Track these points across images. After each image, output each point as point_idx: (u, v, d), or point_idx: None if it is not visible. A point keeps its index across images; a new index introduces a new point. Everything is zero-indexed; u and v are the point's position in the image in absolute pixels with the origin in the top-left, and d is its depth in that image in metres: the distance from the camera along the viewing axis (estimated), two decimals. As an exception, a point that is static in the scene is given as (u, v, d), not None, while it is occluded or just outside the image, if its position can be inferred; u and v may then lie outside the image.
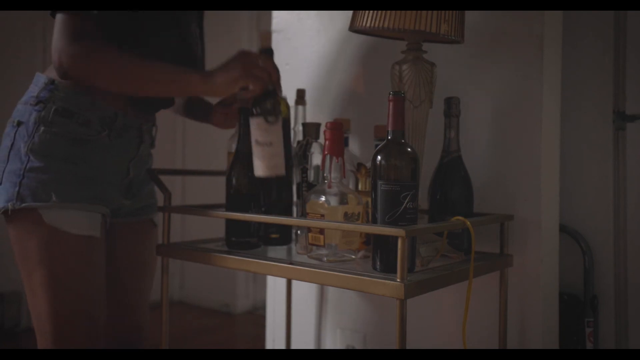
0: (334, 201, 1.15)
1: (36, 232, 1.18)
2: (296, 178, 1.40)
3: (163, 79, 1.19)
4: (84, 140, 1.22)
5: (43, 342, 1.21)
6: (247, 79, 1.17)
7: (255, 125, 1.22)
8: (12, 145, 1.21)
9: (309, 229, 1.19)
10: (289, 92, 1.49)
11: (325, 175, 1.18)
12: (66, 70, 1.16)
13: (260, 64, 1.20)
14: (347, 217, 1.14)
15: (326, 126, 1.18)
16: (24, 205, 1.17)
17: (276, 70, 1.23)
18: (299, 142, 1.42)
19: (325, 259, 1.16)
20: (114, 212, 1.32)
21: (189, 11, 1.34)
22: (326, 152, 1.17)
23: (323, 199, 1.16)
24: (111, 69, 1.17)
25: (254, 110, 1.23)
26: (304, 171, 1.36)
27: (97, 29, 1.18)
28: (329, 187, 1.17)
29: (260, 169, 1.23)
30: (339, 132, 1.18)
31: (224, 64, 1.20)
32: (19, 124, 1.21)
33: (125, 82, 1.19)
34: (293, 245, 1.37)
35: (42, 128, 1.19)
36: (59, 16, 1.17)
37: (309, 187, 1.36)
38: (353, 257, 1.17)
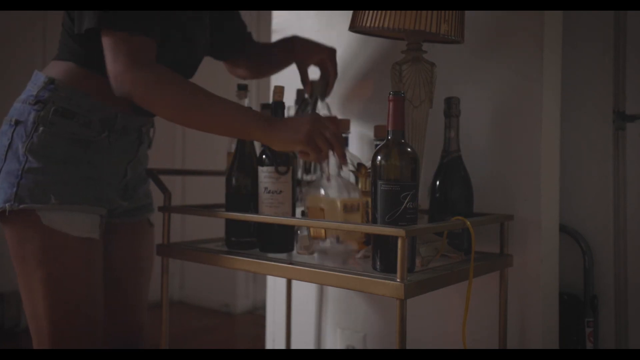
0: (332, 193, 1.16)
1: (34, 234, 1.17)
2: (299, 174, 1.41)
3: (227, 119, 1.16)
4: (84, 141, 1.21)
5: (40, 342, 1.21)
6: (309, 146, 1.12)
7: (266, 174, 1.23)
8: (9, 144, 1.19)
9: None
10: (289, 92, 1.49)
11: (324, 168, 1.18)
12: (131, 96, 1.13)
13: (328, 136, 1.13)
14: (347, 209, 1.15)
15: None
16: (22, 206, 1.16)
17: (340, 144, 1.15)
18: (303, 100, 1.43)
19: (328, 252, 1.16)
20: (111, 212, 1.31)
21: (200, 27, 1.33)
22: None
23: (322, 192, 1.16)
24: (178, 99, 1.14)
25: (265, 159, 1.23)
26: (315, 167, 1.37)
27: (155, 53, 1.15)
28: (328, 180, 1.17)
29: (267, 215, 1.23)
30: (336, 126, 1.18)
31: (292, 119, 1.16)
32: (17, 123, 1.19)
33: (190, 115, 1.16)
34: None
35: (42, 128, 1.18)
36: (116, 35, 1.11)
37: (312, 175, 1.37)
38: (353, 247, 1.18)
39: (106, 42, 1.13)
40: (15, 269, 1.22)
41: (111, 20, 1.11)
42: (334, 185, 1.17)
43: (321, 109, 1.38)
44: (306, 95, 1.45)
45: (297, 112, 1.42)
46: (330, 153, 1.15)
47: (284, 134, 1.13)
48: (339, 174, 1.18)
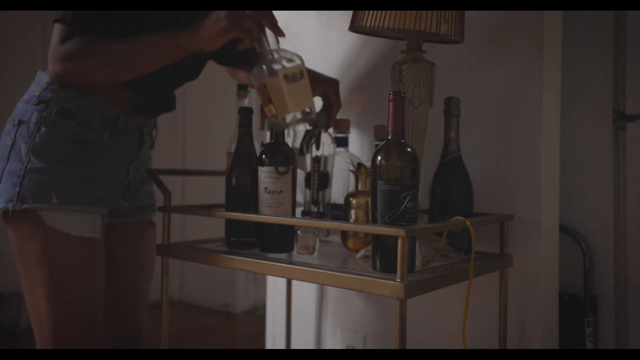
0: (274, 68, 1.16)
1: (36, 233, 1.17)
2: (306, 167, 1.40)
3: (154, 52, 1.17)
4: (85, 142, 1.22)
5: (42, 342, 1.21)
6: (235, 29, 1.14)
7: (266, 174, 1.23)
8: (12, 144, 1.19)
9: (263, 102, 1.19)
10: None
11: (263, 45, 1.19)
12: (60, 73, 1.17)
13: (249, 14, 1.15)
14: (288, 79, 1.15)
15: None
16: (24, 206, 1.16)
17: (267, 15, 1.17)
18: (308, 131, 1.42)
19: (287, 122, 1.17)
20: (112, 212, 1.31)
21: (193, 14, 1.33)
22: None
23: (264, 68, 1.17)
24: (102, 58, 1.16)
25: (265, 159, 1.23)
26: (317, 160, 1.36)
27: (85, 30, 1.17)
28: (269, 55, 1.18)
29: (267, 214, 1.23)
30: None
31: (209, 16, 1.17)
32: (20, 123, 1.20)
33: (119, 68, 1.18)
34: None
35: (44, 129, 1.18)
36: (54, 27, 1.18)
37: (320, 177, 1.36)
38: (308, 110, 1.18)
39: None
40: (18, 269, 1.22)
41: (56, 17, 1.17)
42: (273, 58, 1.17)
43: (324, 142, 1.38)
44: (309, 127, 1.44)
45: (301, 144, 1.41)
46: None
47: (208, 30, 1.14)
48: (277, 48, 1.18)
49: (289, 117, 1.17)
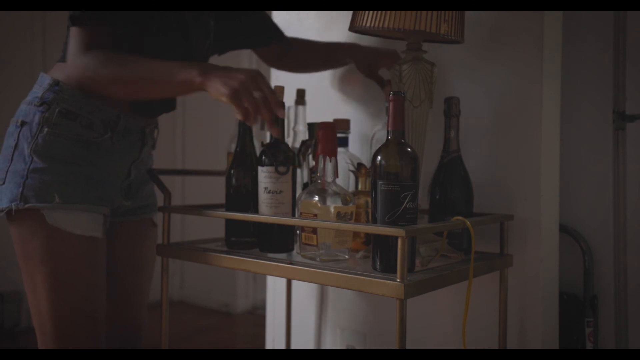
0: (327, 201, 1.15)
1: (39, 233, 1.19)
2: (303, 178, 1.40)
3: (168, 78, 1.16)
4: (87, 142, 1.23)
5: (43, 340, 1.22)
6: (233, 102, 1.10)
7: (266, 174, 1.23)
8: (15, 145, 1.21)
9: (302, 229, 1.19)
10: (289, 92, 1.49)
11: (318, 175, 1.18)
12: (81, 81, 1.18)
13: (256, 97, 1.10)
14: (340, 217, 1.14)
15: (319, 126, 1.18)
16: (27, 205, 1.18)
17: (269, 109, 1.12)
18: (304, 141, 1.42)
19: (318, 258, 1.16)
20: (113, 211, 1.32)
21: (200, 25, 1.33)
22: (319, 152, 1.17)
23: (316, 198, 1.16)
24: (119, 75, 1.17)
25: (265, 159, 1.23)
26: (314, 171, 1.36)
27: (108, 40, 1.18)
28: (323, 187, 1.17)
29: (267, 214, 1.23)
30: (331, 131, 1.17)
31: (231, 70, 1.13)
32: (23, 124, 1.22)
33: (135, 87, 1.19)
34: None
35: (46, 129, 1.20)
36: (73, 29, 1.19)
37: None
38: (346, 256, 1.17)
39: (69, 37, 1.20)
40: (20, 268, 1.24)
41: (74, 17, 1.17)
42: (328, 191, 1.16)
43: None
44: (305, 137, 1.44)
45: (297, 154, 1.40)
46: (332, 156, 1.15)
47: (214, 82, 1.11)
48: (334, 181, 1.17)
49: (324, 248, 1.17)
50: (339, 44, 1.57)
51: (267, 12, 1.60)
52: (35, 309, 1.22)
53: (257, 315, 3.69)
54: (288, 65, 1.63)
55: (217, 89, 1.10)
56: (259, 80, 1.12)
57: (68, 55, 1.20)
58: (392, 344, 1.52)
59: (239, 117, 1.12)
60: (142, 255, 1.42)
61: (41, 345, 1.23)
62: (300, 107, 1.53)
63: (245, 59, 3.68)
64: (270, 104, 1.12)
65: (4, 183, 1.21)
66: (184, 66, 1.15)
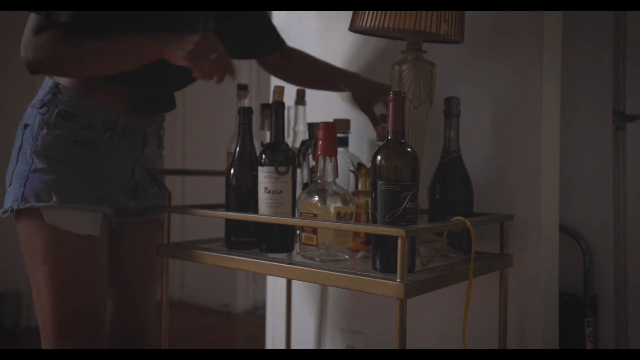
0: (327, 201, 1.15)
1: (39, 231, 1.21)
2: (303, 178, 1.40)
3: (122, 53, 1.17)
4: (86, 143, 1.24)
5: (46, 338, 1.24)
6: (192, 64, 1.14)
7: (266, 174, 1.23)
8: (20, 147, 1.25)
9: (302, 229, 1.19)
10: (289, 92, 1.49)
11: (318, 175, 1.18)
12: (31, 61, 1.18)
13: (212, 57, 1.14)
14: (340, 217, 1.14)
15: (319, 126, 1.18)
16: (27, 205, 1.21)
17: (225, 67, 1.16)
18: (304, 141, 1.42)
19: (318, 258, 1.16)
20: (119, 212, 1.33)
21: (198, 26, 1.33)
22: (319, 152, 1.17)
23: (316, 198, 1.16)
24: (72, 53, 1.17)
25: (265, 159, 1.23)
26: (314, 172, 1.36)
27: (60, 23, 1.18)
28: (322, 187, 1.17)
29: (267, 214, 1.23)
30: (331, 131, 1.17)
31: (186, 35, 1.16)
32: (26, 126, 1.25)
33: (89, 64, 1.18)
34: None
35: (45, 130, 1.22)
36: (30, 16, 1.20)
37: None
38: (346, 256, 1.17)
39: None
40: (26, 266, 1.26)
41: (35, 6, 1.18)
42: (328, 192, 1.16)
43: None
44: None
45: (297, 154, 1.40)
46: (328, 158, 1.15)
47: (171, 48, 1.14)
48: (334, 181, 1.17)
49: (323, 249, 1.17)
50: (341, 70, 1.56)
51: (268, 15, 1.58)
52: (39, 307, 1.24)
53: (257, 315, 3.69)
54: (284, 75, 1.61)
55: (175, 54, 1.14)
56: (214, 41, 1.16)
57: (22, 39, 1.20)
58: (392, 344, 1.52)
59: (198, 77, 1.16)
60: (150, 255, 1.42)
61: (44, 343, 1.24)
62: (300, 107, 1.53)
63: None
64: (225, 64, 1.16)
65: (10, 184, 1.25)
66: (140, 36, 1.18)
